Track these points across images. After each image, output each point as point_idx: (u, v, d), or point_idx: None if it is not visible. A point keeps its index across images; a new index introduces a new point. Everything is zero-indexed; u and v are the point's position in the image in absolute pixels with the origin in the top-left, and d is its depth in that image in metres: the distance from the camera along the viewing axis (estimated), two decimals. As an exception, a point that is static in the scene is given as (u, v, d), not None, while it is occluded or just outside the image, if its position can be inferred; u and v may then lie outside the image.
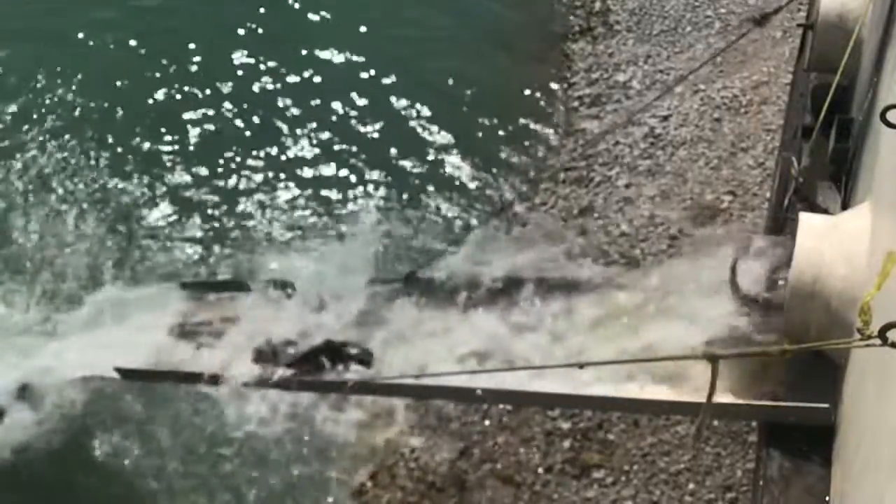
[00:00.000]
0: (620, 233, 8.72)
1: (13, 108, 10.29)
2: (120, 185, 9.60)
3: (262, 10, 11.27)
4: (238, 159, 9.84)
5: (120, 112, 10.26)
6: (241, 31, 11.08)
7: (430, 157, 9.75)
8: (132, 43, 10.96)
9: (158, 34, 11.03)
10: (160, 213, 9.40)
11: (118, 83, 10.55)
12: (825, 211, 5.06)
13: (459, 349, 5.55)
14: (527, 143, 9.81)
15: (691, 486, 7.07)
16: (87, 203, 9.44)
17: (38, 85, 10.46)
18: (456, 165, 9.66)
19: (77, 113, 10.23)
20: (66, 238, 9.15)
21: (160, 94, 10.43)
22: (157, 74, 10.61)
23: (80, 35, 11.03)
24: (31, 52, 10.85)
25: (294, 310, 6.34)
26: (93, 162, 9.81)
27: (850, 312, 4.13)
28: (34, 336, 7.84)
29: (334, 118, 10.17)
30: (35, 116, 10.19)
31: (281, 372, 5.99)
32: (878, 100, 4.74)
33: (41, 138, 9.99)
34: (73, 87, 10.43)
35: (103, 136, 10.02)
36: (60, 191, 9.53)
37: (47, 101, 10.32)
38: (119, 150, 9.92)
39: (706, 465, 7.12)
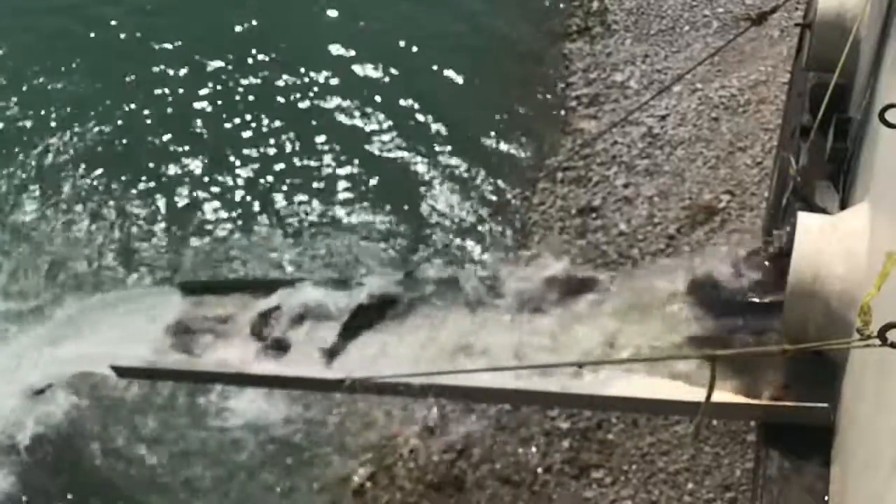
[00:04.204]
0: (619, 232, 8.72)
1: (10, 102, 10.30)
2: (116, 184, 9.60)
3: (265, 6, 11.29)
4: (235, 154, 9.86)
5: (119, 108, 10.28)
6: (241, 28, 11.09)
7: (426, 155, 9.74)
8: (133, 39, 10.97)
9: (161, 29, 11.05)
10: (158, 210, 9.41)
11: (119, 81, 10.56)
12: (823, 210, 5.06)
13: None
14: (524, 143, 9.80)
15: (690, 485, 7.07)
16: (84, 199, 9.45)
17: (35, 80, 10.48)
18: (452, 164, 9.65)
19: (75, 109, 10.24)
20: (62, 235, 9.16)
21: (161, 92, 10.44)
22: (157, 72, 10.62)
23: (81, 29, 11.06)
24: (32, 46, 10.86)
25: None
26: (91, 158, 9.82)
27: (849, 312, 4.13)
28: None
29: (330, 115, 10.17)
30: (31, 112, 10.20)
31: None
32: (876, 99, 4.74)
33: (39, 133, 10.01)
34: (72, 84, 10.46)
35: (103, 132, 10.04)
36: (57, 186, 9.55)
37: (45, 97, 10.34)
38: (118, 146, 9.94)
39: (705, 465, 7.12)
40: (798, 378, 4.61)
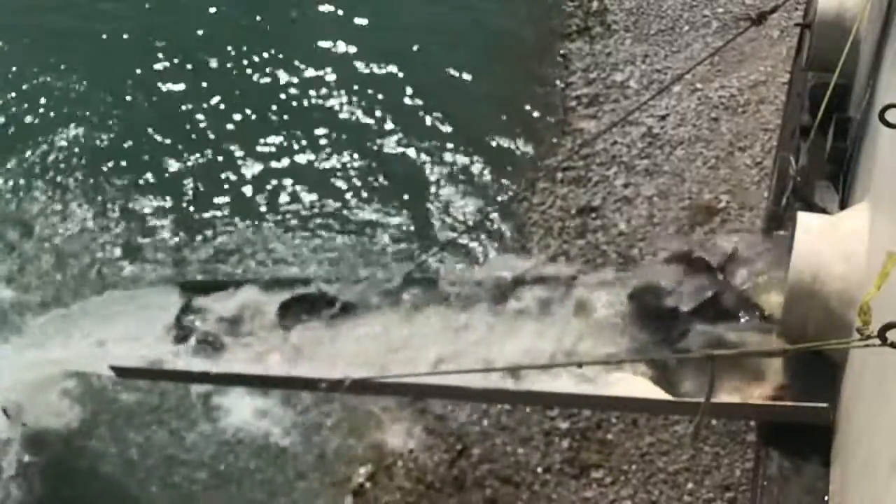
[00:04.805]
0: (618, 232, 8.72)
1: (11, 99, 10.32)
2: (116, 182, 9.60)
3: (266, 2, 11.32)
4: (235, 152, 9.85)
5: (120, 107, 10.28)
6: (242, 23, 11.11)
7: (425, 155, 9.74)
8: (134, 37, 10.98)
9: (160, 27, 11.06)
10: (159, 208, 9.40)
11: (117, 78, 10.57)
12: (823, 210, 5.06)
13: None
14: (524, 143, 9.80)
15: (690, 485, 7.07)
16: (83, 197, 9.46)
17: (36, 77, 10.49)
18: (451, 163, 9.65)
19: (76, 107, 10.24)
20: (60, 232, 9.17)
21: (161, 89, 10.44)
22: (158, 69, 10.63)
23: (82, 26, 11.07)
24: (34, 43, 10.89)
25: None
26: (91, 155, 9.81)
27: (848, 312, 4.13)
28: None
29: (329, 114, 10.17)
30: (33, 109, 10.21)
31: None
32: (876, 99, 4.75)
33: (38, 130, 10.02)
34: (72, 82, 10.45)
35: (103, 129, 10.04)
36: (56, 184, 9.55)
37: (46, 94, 10.34)
38: (118, 144, 9.95)
39: (705, 465, 7.12)
40: (798, 378, 4.61)
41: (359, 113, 10.17)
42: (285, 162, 9.78)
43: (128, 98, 10.37)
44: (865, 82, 5.12)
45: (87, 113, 10.17)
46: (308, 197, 9.47)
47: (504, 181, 9.49)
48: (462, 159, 9.68)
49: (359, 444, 7.57)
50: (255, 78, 10.54)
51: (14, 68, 10.67)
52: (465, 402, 7.48)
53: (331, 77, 10.49)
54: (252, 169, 9.72)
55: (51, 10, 11.30)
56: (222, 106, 10.26)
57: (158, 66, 10.66)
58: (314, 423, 7.66)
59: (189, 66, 10.65)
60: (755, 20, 6.18)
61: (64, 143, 9.88)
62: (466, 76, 10.50)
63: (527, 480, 7.26)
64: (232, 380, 6.50)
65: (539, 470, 7.29)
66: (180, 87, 10.46)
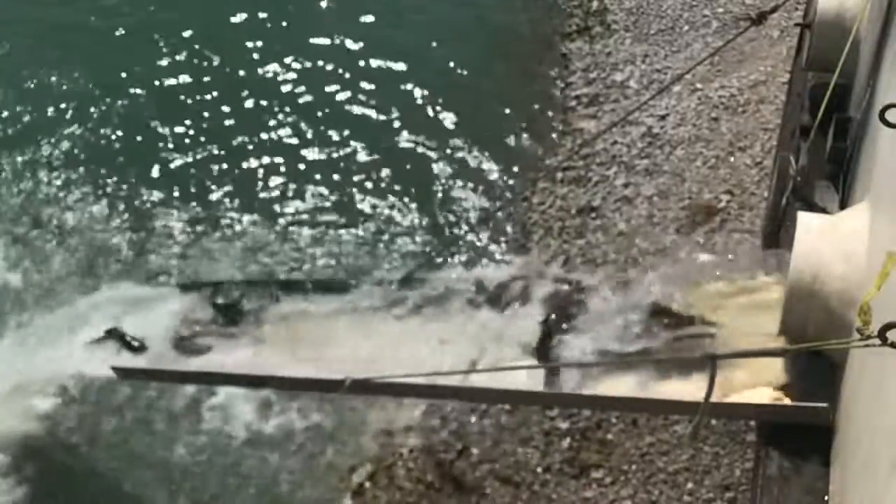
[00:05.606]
0: (618, 232, 8.72)
1: (13, 95, 10.33)
2: (119, 178, 9.60)
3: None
4: (237, 149, 9.86)
5: (123, 102, 10.28)
6: (245, 19, 11.13)
7: (424, 155, 9.74)
8: (137, 32, 10.99)
9: (163, 22, 11.07)
10: (160, 206, 9.40)
11: (120, 73, 10.58)
12: (823, 210, 5.06)
13: None
14: (524, 143, 9.80)
15: (690, 485, 7.07)
16: (84, 195, 9.45)
17: (37, 73, 10.49)
18: (450, 164, 9.65)
19: (77, 103, 10.24)
20: (60, 230, 9.17)
21: (164, 85, 10.45)
22: (161, 64, 10.64)
23: (85, 21, 11.08)
24: (36, 39, 10.91)
25: None
26: (93, 152, 9.81)
27: (848, 312, 4.13)
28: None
29: (328, 110, 10.18)
30: (34, 105, 10.21)
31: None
32: (876, 99, 4.75)
33: (39, 127, 10.03)
34: (73, 79, 10.46)
35: (105, 124, 10.06)
36: (55, 182, 9.54)
37: (47, 90, 10.35)
38: (117, 141, 9.95)
39: (705, 465, 7.12)
40: (798, 378, 4.62)
41: (358, 110, 10.18)
42: (284, 158, 9.78)
43: (131, 94, 10.37)
44: (865, 82, 5.12)
45: (89, 109, 10.19)
46: (306, 192, 9.47)
47: (504, 180, 9.49)
48: (461, 158, 9.68)
49: (359, 444, 7.57)
50: (257, 74, 10.55)
51: (17, 64, 10.67)
52: (464, 402, 7.48)
53: (331, 73, 10.49)
54: (252, 165, 9.73)
55: (52, 5, 11.33)
56: (225, 102, 10.27)
57: (162, 62, 10.66)
58: (314, 424, 7.66)
59: (191, 62, 10.65)
60: (755, 20, 6.18)
61: (65, 139, 9.88)
62: (466, 75, 10.50)
63: (527, 480, 7.26)
64: (232, 380, 6.50)
65: (539, 470, 7.29)
66: (183, 83, 10.46)
